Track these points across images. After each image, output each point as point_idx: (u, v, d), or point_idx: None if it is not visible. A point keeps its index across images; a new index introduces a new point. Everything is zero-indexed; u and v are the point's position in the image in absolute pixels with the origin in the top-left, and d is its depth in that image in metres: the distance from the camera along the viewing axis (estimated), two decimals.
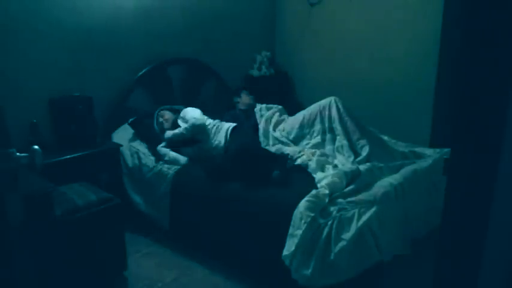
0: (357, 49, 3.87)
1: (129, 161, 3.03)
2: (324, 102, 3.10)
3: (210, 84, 3.89)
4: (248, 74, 4.19)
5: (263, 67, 4.16)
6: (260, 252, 2.39)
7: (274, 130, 3.29)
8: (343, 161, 2.77)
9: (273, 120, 3.37)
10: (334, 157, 2.86)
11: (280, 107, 3.56)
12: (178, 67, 3.64)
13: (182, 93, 3.69)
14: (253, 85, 4.06)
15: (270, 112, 3.45)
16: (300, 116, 3.23)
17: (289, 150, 2.90)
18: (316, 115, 3.11)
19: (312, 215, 2.13)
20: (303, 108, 4.16)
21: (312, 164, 2.66)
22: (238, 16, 4.08)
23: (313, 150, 2.88)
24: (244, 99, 3.53)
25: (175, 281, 2.49)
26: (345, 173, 2.43)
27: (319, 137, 3.05)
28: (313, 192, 2.27)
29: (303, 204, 2.19)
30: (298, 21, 4.23)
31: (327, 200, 2.24)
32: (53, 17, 2.86)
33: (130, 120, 3.18)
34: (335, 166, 2.70)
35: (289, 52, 4.38)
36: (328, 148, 2.95)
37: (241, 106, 3.51)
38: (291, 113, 3.47)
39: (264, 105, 3.55)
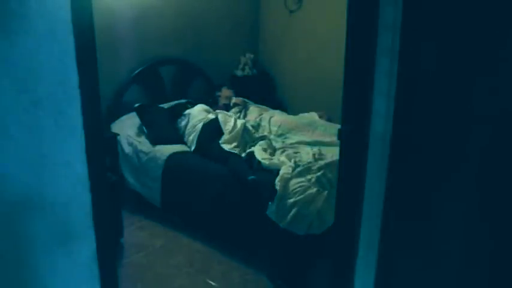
0: (331, 51, 4.29)
1: (126, 147, 3.49)
2: None
3: (198, 83, 4.35)
4: (233, 74, 4.65)
5: (246, 68, 4.62)
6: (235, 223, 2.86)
7: None
8: None
9: None
10: None
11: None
12: (170, 67, 4.10)
13: (173, 90, 4.15)
14: (237, 84, 4.52)
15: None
16: None
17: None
18: None
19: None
20: (283, 105, 4.62)
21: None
22: (225, 21, 4.52)
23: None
24: (225, 92, 4.00)
25: (163, 247, 2.97)
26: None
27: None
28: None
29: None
30: (279, 26, 4.69)
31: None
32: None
33: (136, 105, 3.55)
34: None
35: (271, 54, 4.84)
36: None
37: (222, 100, 3.97)
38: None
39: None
